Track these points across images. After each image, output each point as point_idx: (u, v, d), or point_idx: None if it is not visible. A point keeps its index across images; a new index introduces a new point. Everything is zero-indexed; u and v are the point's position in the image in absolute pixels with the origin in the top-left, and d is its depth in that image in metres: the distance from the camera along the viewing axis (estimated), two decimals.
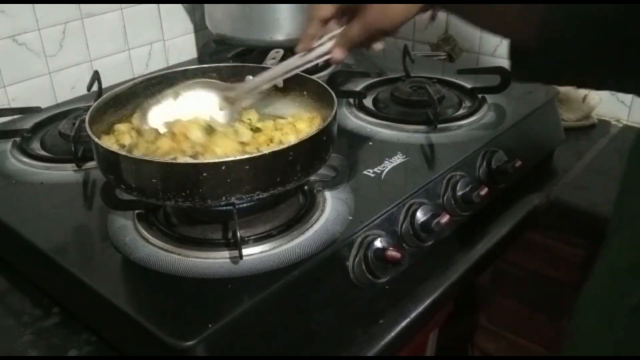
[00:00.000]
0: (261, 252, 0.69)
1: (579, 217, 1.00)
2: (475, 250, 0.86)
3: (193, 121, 0.70)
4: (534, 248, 1.00)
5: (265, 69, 0.79)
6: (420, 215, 0.79)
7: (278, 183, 0.65)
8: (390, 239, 0.75)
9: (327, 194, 0.79)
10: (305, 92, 0.82)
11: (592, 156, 1.12)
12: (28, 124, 1.00)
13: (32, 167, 0.88)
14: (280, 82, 0.77)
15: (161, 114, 0.75)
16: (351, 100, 1.05)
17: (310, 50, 0.71)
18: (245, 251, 0.68)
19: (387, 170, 0.85)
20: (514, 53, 0.60)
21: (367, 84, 1.10)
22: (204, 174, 0.61)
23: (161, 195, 0.64)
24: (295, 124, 0.78)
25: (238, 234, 0.65)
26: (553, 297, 1.05)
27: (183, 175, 0.62)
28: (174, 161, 0.62)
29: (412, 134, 0.95)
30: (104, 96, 0.76)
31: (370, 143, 0.93)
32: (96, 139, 0.65)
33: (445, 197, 0.85)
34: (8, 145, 0.94)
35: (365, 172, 0.84)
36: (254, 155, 0.62)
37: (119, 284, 0.68)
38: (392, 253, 0.72)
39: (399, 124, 0.97)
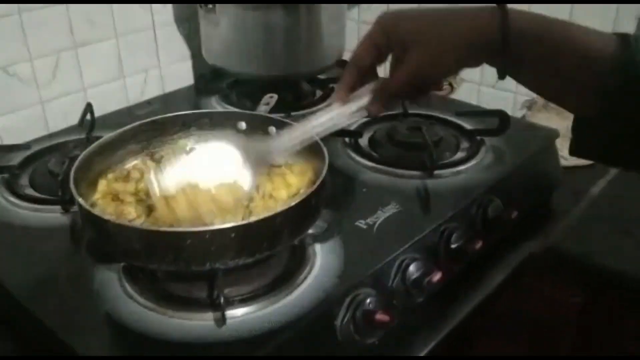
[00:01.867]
0: (246, 313, 0.67)
1: (576, 266, 0.98)
2: (468, 301, 0.85)
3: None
4: (528, 292, 0.98)
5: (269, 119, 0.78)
6: (411, 272, 0.78)
7: (265, 248, 0.64)
8: (380, 298, 0.73)
9: (317, 247, 0.78)
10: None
11: (590, 199, 1.10)
12: (17, 158, 0.98)
13: (19, 208, 0.87)
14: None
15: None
16: (347, 139, 1.04)
17: (345, 102, 0.65)
18: (230, 313, 0.66)
19: (380, 221, 0.83)
20: (576, 124, 0.59)
21: (363, 122, 1.08)
22: (188, 241, 0.60)
23: (144, 259, 0.63)
24: (286, 176, 0.77)
25: (222, 299, 0.64)
26: (541, 340, 1.03)
27: (167, 242, 0.60)
28: (157, 229, 0.61)
29: (407, 180, 0.93)
30: (91, 147, 0.75)
31: (365, 190, 0.92)
32: (80, 200, 0.63)
33: (438, 251, 0.83)
34: None
35: (357, 224, 0.83)
36: (239, 223, 0.61)
37: (97, 342, 0.66)
38: (381, 317, 0.70)
39: (394, 169, 0.95)
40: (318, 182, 0.67)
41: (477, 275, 0.88)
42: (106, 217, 0.62)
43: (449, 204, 0.88)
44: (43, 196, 0.88)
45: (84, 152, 0.74)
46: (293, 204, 0.63)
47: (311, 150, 0.77)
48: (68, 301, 0.72)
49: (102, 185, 0.75)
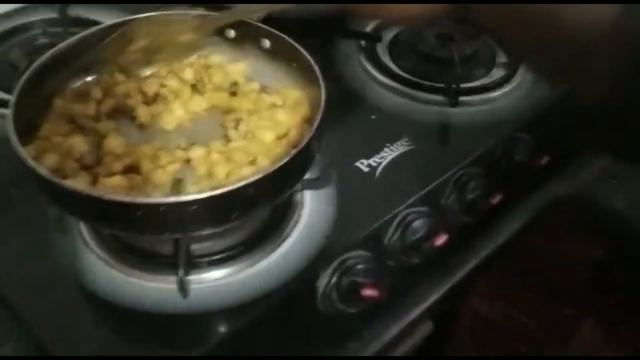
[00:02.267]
0: (216, 279, 0.59)
1: (601, 217, 0.87)
2: (472, 256, 0.76)
3: None
4: (544, 243, 0.88)
5: None
6: (412, 231, 0.68)
7: (235, 218, 0.54)
8: (372, 263, 0.64)
9: (307, 195, 0.67)
10: (294, 64, 0.66)
11: None
12: None
13: None
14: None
15: None
16: (362, 42, 0.88)
17: None
18: (197, 277, 0.58)
19: (385, 162, 0.71)
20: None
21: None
22: (138, 213, 0.50)
23: (96, 222, 0.53)
24: (275, 112, 0.64)
25: (184, 277, 0.55)
26: (558, 285, 0.96)
27: (115, 212, 0.50)
28: (104, 196, 0.49)
29: (426, 107, 0.79)
30: (44, 57, 0.61)
31: (373, 117, 0.78)
32: (29, 161, 0.51)
33: (448, 201, 0.72)
34: None
35: (358, 164, 0.71)
36: (200, 196, 0.49)
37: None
38: (369, 292, 0.62)
39: (412, 90, 0.81)
40: (305, 141, 0.54)
41: (487, 225, 0.78)
42: (49, 176, 0.51)
43: (470, 143, 0.75)
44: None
45: (34, 66, 0.61)
46: (270, 171, 0.51)
47: (309, 76, 0.63)
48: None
49: (57, 105, 0.63)
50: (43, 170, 0.50)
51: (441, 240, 0.67)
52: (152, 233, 0.53)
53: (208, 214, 0.51)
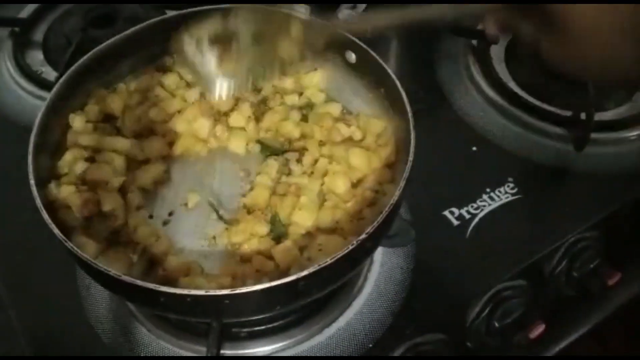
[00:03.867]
0: (253, 356, 0.49)
1: None
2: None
3: None
4: None
5: None
6: (503, 312, 0.54)
7: (278, 310, 0.43)
8: (447, 350, 0.52)
9: (378, 252, 0.55)
10: (382, 90, 0.53)
11: None
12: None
13: (25, 92, 0.68)
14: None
15: None
16: (473, 42, 0.71)
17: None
18: (232, 351, 0.49)
19: (480, 215, 0.57)
20: None
21: None
22: (161, 299, 0.40)
23: (126, 299, 0.44)
24: (352, 154, 0.51)
25: (212, 355, 0.45)
26: None
27: (145, 296, 0.40)
28: (134, 281, 0.39)
29: (544, 141, 0.63)
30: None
31: (474, 149, 0.63)
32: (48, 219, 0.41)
33: (553, 275, 0.58)
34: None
35: (446, 213, 0.58)
36: (240, 291, 0.38)
37: None
38: None
39: (530, 117, 0.64)
40: (382, 216, 0.41)
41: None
42: (85, 257, 0.41)
43: (593, 199, 0.59)
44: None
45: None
46: (329, 261, 0.39)
47: (396, 106, 0.49)
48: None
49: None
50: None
51: (537, 331, 0.54)
52: (178, 315, 0.43)
53: (245, 306, 0.41)
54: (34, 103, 0.66)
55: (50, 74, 0.69)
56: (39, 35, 0.73)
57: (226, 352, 0.49)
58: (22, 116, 0.66)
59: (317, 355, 0.49)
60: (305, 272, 0.39)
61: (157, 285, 0.39)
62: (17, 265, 0.55)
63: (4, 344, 0.52)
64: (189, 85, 0.57)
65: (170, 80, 0.56)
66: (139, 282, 0.39)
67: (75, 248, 0.40)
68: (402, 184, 0.43)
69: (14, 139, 0.64)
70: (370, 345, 0.50)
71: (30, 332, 0.51)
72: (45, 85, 0.67)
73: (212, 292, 0.38)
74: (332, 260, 0.39)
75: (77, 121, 0.51)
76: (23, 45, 0.72)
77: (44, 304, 0.53)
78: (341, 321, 0.51)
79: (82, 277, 0.53)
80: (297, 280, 0.39)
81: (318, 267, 0.39)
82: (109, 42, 0.53)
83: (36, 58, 0.71)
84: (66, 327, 0.52)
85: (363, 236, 0.40)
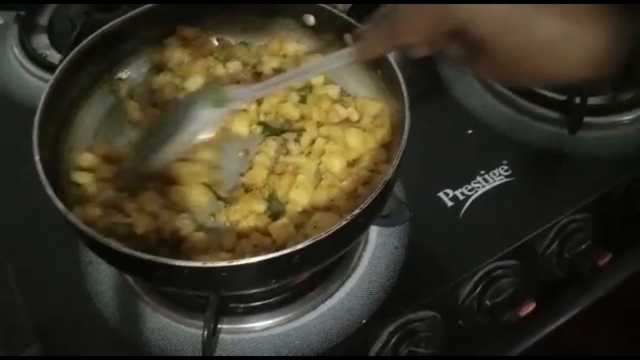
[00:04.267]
0: (250, 331, 0.51)
1: None
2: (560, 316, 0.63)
3: None
4: None
5: None
6: (494, 291, 0.56)
7: (274, 284, 0.45)
8: (436, 329, 0.54)
9: (373, 232, 0.56)
10: (379, 72, 0.54)
11: None
12: None
13: (30, 75, 0.70)
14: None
15: None
16: None
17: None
18: (228, 326, 0.50)
19: (474, 197, 0.59)
20: None
21: None
22: (160, 272, 0.41)
23: (125, 272, 0.46)
24: (348, 134, 0.52)
25: (209, 330, 0.47)
26: None
27: (144, 269, 0.42)
28: (135, 254, 0.41)
29: (539, 125, 0.64)
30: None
31: (470, 132, 0.64)
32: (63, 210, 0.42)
33: (544, 255, 0.59)
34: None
35: (440, 195, 0.59)
36: (237, 263, 0.40)
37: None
38: None
39: (524, 100, 0.65)
40: (376, 193, 0.43)
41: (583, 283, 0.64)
42: (92, 233, 0.42)
43: (586, 182, 0.60)
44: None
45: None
46: (323, 235, 0.41)
47: (392, 88, 0.51)
48: None
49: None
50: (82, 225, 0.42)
51: (527, 309, 0.55)
52: (177, 289, 0.45)
53: (242, 279, 0.42)
54: (39, 85, 0.68)
55: (55, 57, 0.70)
56: (44, 19, 0.74)
57: (224, 326, 0.50)
58: (28, 98, 0.67)
59: (311, 329, 0.51)
60: (300, 246, 0.40)
61: (156, 257, 0.40)
62: (21, 243, 0.57)
63: (7, 319, 0.53)
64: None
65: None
66: (139, 254, 0.40)
67: (77, 221, 0.42)
68: (396, 161, 0.44)
69: (20, 121, 0.66)
70: (364, 321, 0.51)
71: (32, 307, 0.52)
72: (50, 68, 0.68)
73: (209, 264, 0.40)
74: (326, 234, 0.41)
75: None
76: (29, 29, 0.73)
77: (46, 281, 0.54)
78: (335, 298, 0.52)
79: (85, 254, 0.55)
80: (293, 253, 0.40)
81: (313, 241, 0.40)
82: (113, 23, 0.54)
83: (41, 42, 0.73)
84: (67, 302, 0.53)
85: (357, 212, 0.42)
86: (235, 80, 0.57)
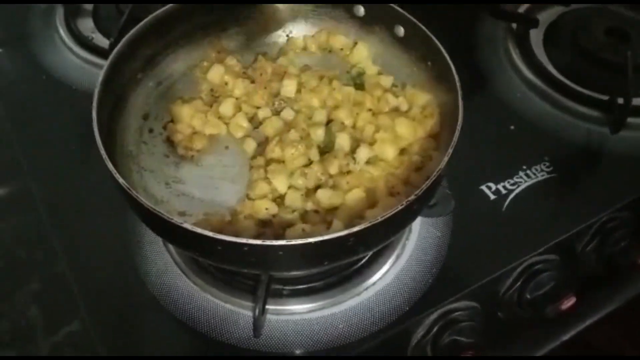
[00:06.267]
0: (294, 313, 0.51)
1: None
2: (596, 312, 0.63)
3: None
4: None
5: None
6: (535, 285, 0.56)
7: (326, 265, 0.45)
8: (479, 318, 0.54)
9: (416, 222, 0.57)
10: (429, 63, 0.54)
11: None
12: None
13: (75, 56, 0.70)
14: None
15: None
16: (514, 25, 0.72)
17: None
18: (275, 306, 0.51)
19: (516, 191, 0.59)
20: None
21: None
22: (219, 248, 0.42)
23: (183, 246, 0.47)
24: (398, 123, 0.52)
25: (260, 309, 0.47)
26: None
27: (200, 243, 0.42)
28: (188, 227, 0.42)
29: (580, 123, 0.65)
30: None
31: (512, 127, 0.65)
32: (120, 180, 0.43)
33: (584, 251, 0.59)
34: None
35: (483, 188, 0.59)
36: (292, 242, 0.41)
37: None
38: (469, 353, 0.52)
39: (567, 99, 0.66)
40: (428, 183, 0.43)
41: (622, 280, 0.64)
42: (146, 203, 0.43)
43: (627, 180, 0.61)
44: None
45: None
46: (379, 219, 0.41)
47: (444, 80, 0.51)
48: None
49: None
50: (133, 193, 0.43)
51: (569, 303, 0.55)
52: (236, 266, 0.46)
53: (296, 259, 0.43)
54: (84, 67, 0.69)
55: (100, 40, 0.71)
56: (88, 5, 0.75)
57: (269, 307, 0.51)
58: (74, 80, 0.68)
59: (356, 313, 0.51)
60: (356, 228, 0.41)
61: (216, 234, 0.41)
62: (72, 221, 0.58)
63: (59, 293, 0.54)
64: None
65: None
66: (199, 230, 0.41)
67: (138, 196, 0.43)
68: (450, 150, 0.45)
69: (67, 100, 0.67)
70: (407, 309, 0.52)
71: (80, 281, 0.53)
72: (96, 50, 0.69)
73: (268, 242, 0.41)
74: (382, 218, 0.41)
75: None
76: (74, 13, 0.74)
77: (96, 258, 0.55)
78: (379, 285, 0.53)
79: (135, 233, 0.56)
80: (348, 235, 0.41)
81: (369, 224, 0.41)
82: (166, 8, 0.55)
83: (87, 25, 0.74)
84: (116, 280, 0.54)
85: (412, 197, 0.42)
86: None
